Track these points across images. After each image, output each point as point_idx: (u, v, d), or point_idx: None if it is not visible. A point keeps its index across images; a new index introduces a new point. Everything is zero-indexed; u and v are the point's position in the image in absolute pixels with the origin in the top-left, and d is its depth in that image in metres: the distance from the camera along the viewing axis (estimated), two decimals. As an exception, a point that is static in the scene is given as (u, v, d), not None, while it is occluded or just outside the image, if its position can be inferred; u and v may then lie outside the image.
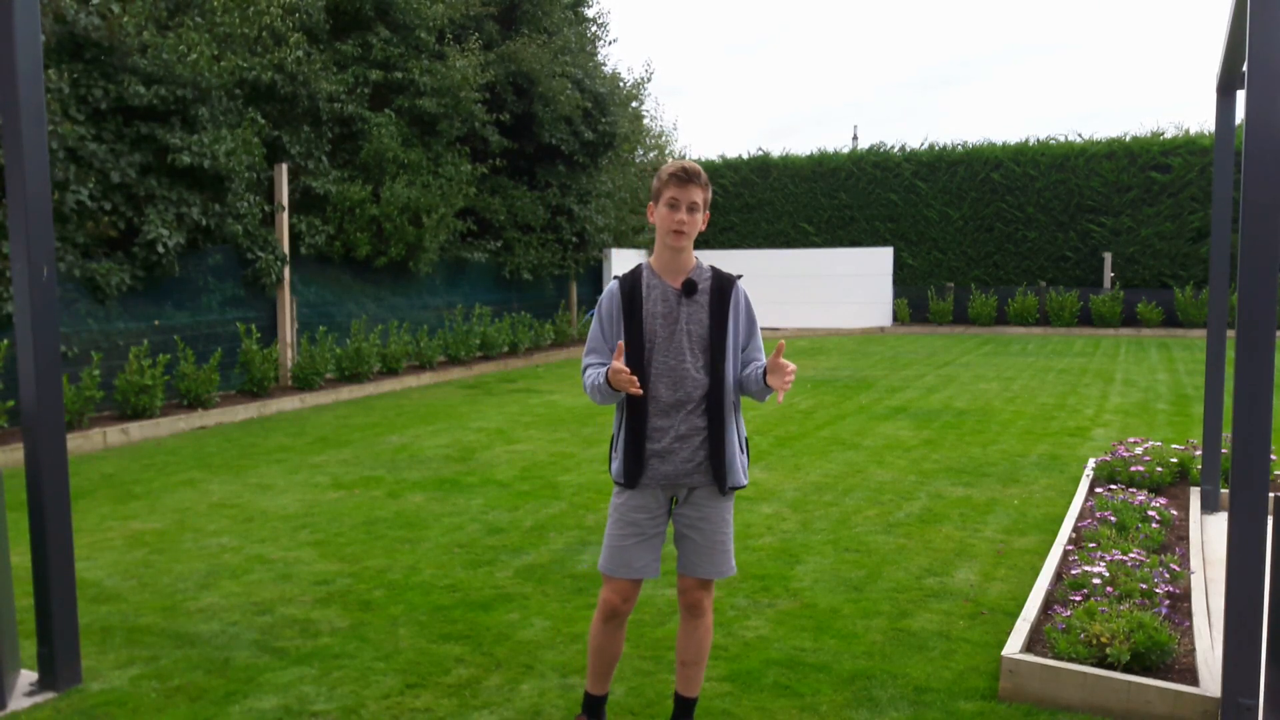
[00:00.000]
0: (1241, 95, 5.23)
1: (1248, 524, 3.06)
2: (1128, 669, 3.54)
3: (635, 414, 3.14)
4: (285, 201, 12.33)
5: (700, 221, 3.13)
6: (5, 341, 8.61)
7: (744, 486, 3.23)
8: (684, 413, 3.12)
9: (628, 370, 2.96)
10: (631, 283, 3.18)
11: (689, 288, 3.14)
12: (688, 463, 3.13)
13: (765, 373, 3.06)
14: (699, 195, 3.09)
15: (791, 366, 3.01)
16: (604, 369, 3.09)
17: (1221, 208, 5.76)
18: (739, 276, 3.23)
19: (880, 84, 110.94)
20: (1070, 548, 4.91)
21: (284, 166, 12.34)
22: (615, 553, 3.18)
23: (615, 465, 3.21)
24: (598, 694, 3.37)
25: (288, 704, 3.63)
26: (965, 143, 22.92)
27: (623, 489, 3.20)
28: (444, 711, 3.57)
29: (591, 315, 16.60)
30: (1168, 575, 4.37)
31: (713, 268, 3.22)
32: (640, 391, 2.99)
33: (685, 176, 3.07)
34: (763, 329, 24.14)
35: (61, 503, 3.82)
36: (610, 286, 3.23)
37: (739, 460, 3.19)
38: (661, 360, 3.13)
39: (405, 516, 6.34)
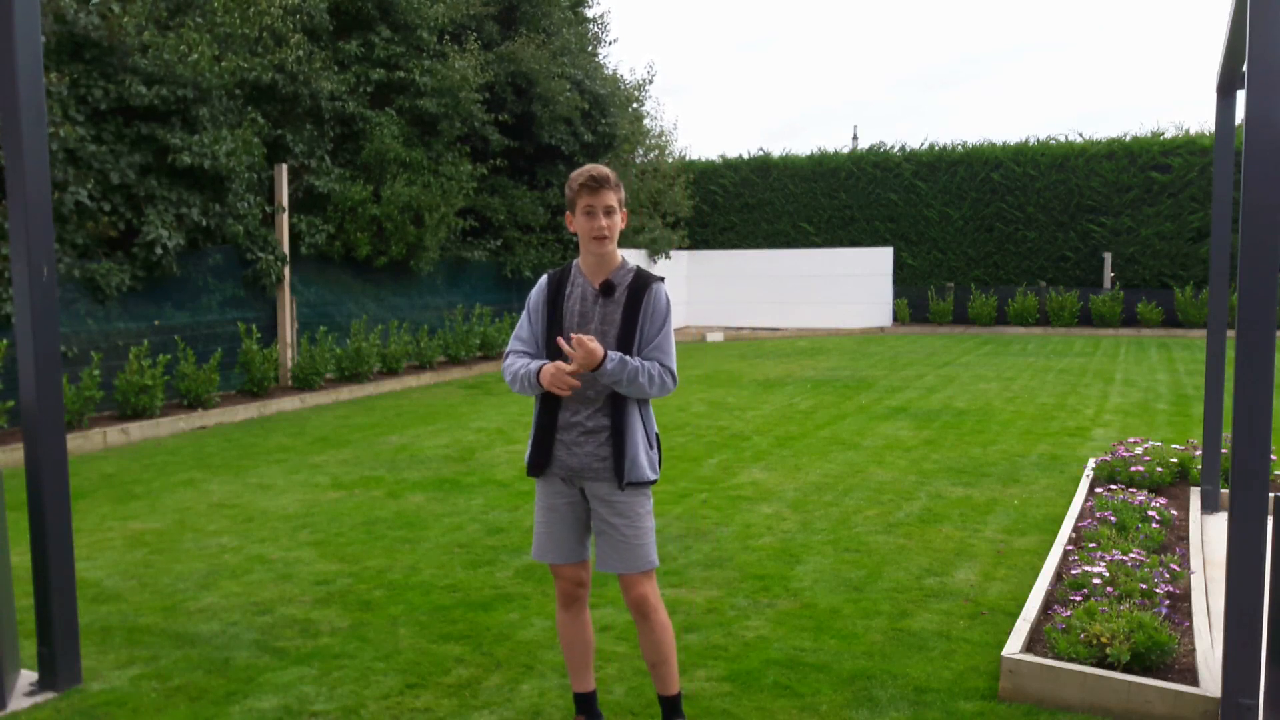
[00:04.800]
0: (1241, 95, 5.22)
1: (1248, 524, 3.06)
2: (1128, 669, 3.54)
3: (547, 408, 3.23)
4: (285, 202, 12.33)
5: (619, 222, 3.19)
6: (5, 341, 8.61)
7: (651, 482, 3.23)
8: (591, 409, 3.18)
9: (567, 374, 3.03)
10: (559, 279, 3.27)
11: (606, 288, 3.20)
12: (590, 458, 3.19)
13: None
14: (613, 198, 3.14)
15: (569, 366, 3.03)
16: (533, 364, 3.16)
17: (1221, 208, 5.76)
18: (661, 279, 3.26)
19: (880, 84, 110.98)
20: (1070, 548, 4.91)
21: (284, 167, 12.34)
22: (539, 538, 3.32)
23: (526, 455, 3.33)
24: (583, 691, 3.40)
25: (288, 704, 3.64)
26: (965, 143, 22.87)
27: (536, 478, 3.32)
28: (444, 711, 3.57)
29: None
30: (1168, 575, 4.37)
31: (637, 268, 3.26)
32: (577, 385, 3.06)
33: (595, 184, 3.11)
34: (763, 329, 23.92)
35: (61, 503, 3.83)
36: (540, 280, 3.32)
37: (643, 456, 3.20)
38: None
39: (405, 516, 6.34)
